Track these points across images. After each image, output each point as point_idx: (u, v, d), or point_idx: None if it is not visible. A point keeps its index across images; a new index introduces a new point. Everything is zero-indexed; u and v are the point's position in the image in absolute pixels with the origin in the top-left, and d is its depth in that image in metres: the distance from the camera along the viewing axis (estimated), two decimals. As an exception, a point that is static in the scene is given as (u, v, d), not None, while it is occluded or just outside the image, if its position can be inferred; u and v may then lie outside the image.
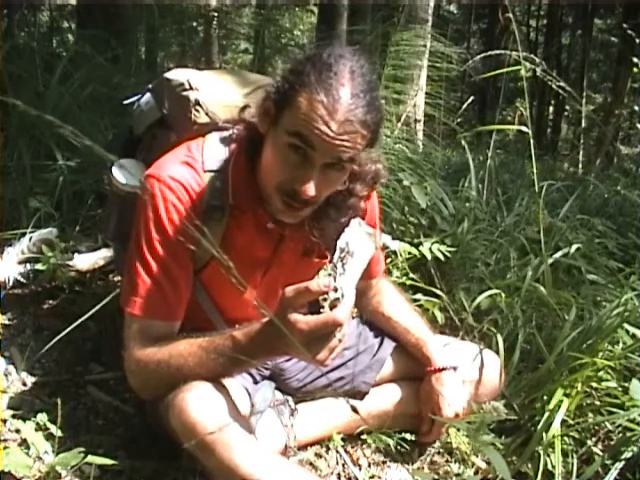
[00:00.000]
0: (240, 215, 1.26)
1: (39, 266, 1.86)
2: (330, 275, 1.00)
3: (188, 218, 1.20)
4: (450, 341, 1.60)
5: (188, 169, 1.24)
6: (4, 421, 1.34)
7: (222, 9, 8.91)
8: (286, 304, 1.02)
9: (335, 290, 0.99)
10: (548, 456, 1.40)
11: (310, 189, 1.12)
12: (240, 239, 1.28)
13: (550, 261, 1.99)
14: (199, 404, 1.10)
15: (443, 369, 1.47)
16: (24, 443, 1.30)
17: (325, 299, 1.00)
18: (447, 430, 1.50)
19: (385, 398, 1.53)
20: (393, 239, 1.04)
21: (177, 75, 1.42)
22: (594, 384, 1.56)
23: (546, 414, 1.44)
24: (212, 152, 1.27)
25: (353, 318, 1.62)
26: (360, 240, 1.03)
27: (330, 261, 1.03)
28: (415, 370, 1.53)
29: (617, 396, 1.54)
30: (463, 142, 3.12)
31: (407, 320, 1.55)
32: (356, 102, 1.08)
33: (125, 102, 1.57)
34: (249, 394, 1.37)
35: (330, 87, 1.07)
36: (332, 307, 1.00)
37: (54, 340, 1.52)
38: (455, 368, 1.48)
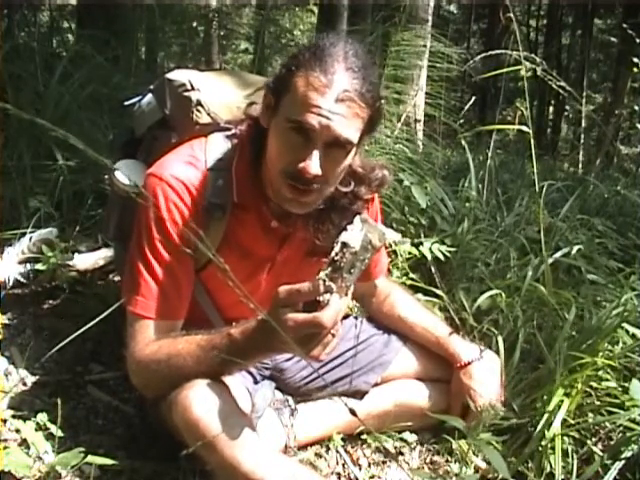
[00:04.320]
0: (243, 213, 1.27)
1: (39, 266, 1.86)
2: (326, 275, 0.99)
3: (189, 218, 1.21)
4: None
5: (190, 168, 1.24)
6: (4, 421, 1.34)
7: (222, 9, 8.91)
8: (279, 303, 1.02)
9: (327, 292, 0.99)
10: (548, 456, 1.40)
11: (312, 166, 1.11)
12: (243, 237, 1.29)
13: (550, 261, 1.99)
14: (202, 401, 1.10)
15: (470, 363, 1.49)
16: (24, 443, 1.30)
17: (319, 300, 0.99)
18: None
19: (385, 398, 1.53)
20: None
21: (179, 76, 1.42)
22: (594, 384, 1.56)
23: (546, 414, 1.44)
24: (215, 151, 1.28)
25: (356, 318, 1.62)
26: (362, 237, 1.00)
27: (328, 259, 1.01)
28: (425, 370, 1.56)
29: (617, 396, 1.54)
30: (463, 142, 3.12)
31: (424, 320, 1.57)
32: (351, 75, 1.11)
33: (126, 103, 1.57)
34: (250, 394, 1.37)
35: (325, 64, 1.11)
36: (324, 307, 0.99)
37: (60, 344, 1.43)
38: (480, 358, 1.50)
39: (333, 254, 0.98)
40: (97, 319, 1.37)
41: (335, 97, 1.10)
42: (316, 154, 1.12)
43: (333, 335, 1.02)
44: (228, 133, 1.31)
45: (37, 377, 1.60)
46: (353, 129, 1.13)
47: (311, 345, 1.01)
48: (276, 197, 1.21)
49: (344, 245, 0.98)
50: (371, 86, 1.14)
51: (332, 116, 1.10)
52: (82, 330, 1.37)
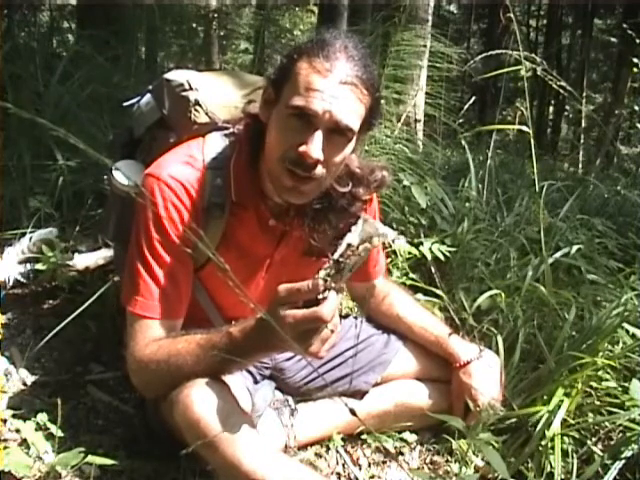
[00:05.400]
0: (242, 212, 1.27)
1: (39, 266, 1.86)
2: (327, 274, 0.99)
3: (187, 217, 1.21)
4: None
5: (188, 168, 1.24)
6: (4, 421, 1.34)
7: (222, 9, 8.92)
8: (279, 302, 1.02)
9: (327, 289, 0.99)
10: (548, 456, 1.40)
11: (313, 150, 1.11)
12: (242, 236, 1.29)
13: (550, 261, 1.98)
14: (203, 401, 1.10)
15: (469, 362, 1.49)
16: (24, 443, 1.30)
17: (318, 299, 1.00)
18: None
19: (385, 398, 1.53)
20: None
21: (177, 76, 1.42)
22: (594, 384, 1.56)
23: (546, 414, 1.44)
24: (213, 150, 1.28)
25: (355, 318, 1.62)
26: (361, 235, 1.00)
27: (332, 258, 1.01)
28: (424, 370, 1.56)
29: (617, 396, 1.54)
30: (463, 142, 3.12)
31: (422, 319, 1.57)
32: (353, 62, 1.13)
33: (125, 104, 1.57)
34: (250, 393, 1.37)
35: (327, 51, 1.12)
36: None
37: (49, 335, 1.54)
38: (479, 357, 1.50)
39: (337, 255, 0.98)
40: (74, 313, 1.39)
41: (338, 80, 1.11)
42: (318, 137, 1.12)
43: (332, 331, 1.02)
44: (226, 132, 1.31)
45: (37, 377, 1.60)
46: (354, 115, 1.14)
47: (310, 342, 1.01)
48: (275, 187, 1.21)
49: (349, 246, 0.98)
50: (371, 75, 1.16)
51: (334, 100, 1.10)
52: (60, 326, 1.42)
